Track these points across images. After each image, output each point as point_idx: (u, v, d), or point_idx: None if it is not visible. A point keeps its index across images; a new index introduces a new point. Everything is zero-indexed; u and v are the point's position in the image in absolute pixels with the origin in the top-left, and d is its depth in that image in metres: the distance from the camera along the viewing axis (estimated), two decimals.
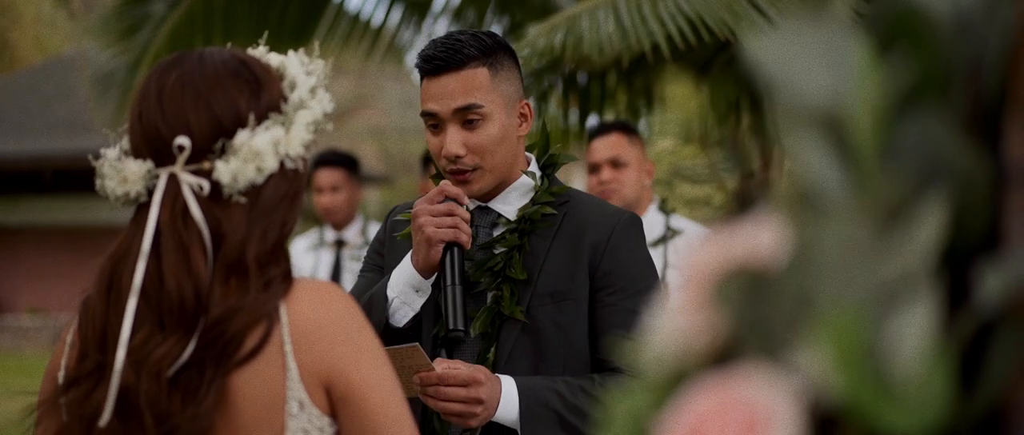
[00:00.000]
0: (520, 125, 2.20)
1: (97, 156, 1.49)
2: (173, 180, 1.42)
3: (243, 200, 1.41)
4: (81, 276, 1.54)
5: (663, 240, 3.85)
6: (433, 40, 2.21)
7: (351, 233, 5.06)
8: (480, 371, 2.04)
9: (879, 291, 0.47)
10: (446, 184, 2.12)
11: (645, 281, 2.18)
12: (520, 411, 2.05)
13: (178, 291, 1.38)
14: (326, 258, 5.06)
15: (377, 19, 6.84)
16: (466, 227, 2.10)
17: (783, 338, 0.50)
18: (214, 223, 1.41)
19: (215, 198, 1.42)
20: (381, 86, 22.76)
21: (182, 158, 1.42)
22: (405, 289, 2.11)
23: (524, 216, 2.19)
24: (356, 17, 6.79)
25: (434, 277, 2.12)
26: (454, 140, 2.12)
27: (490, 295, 2.17)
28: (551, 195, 2.21)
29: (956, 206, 0.49)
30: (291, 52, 1.53)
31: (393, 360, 1.64)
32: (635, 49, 4.50)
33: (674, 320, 0.55)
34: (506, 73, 2.17)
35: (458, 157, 2.12)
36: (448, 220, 2.08)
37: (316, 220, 5.73)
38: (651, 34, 4.42)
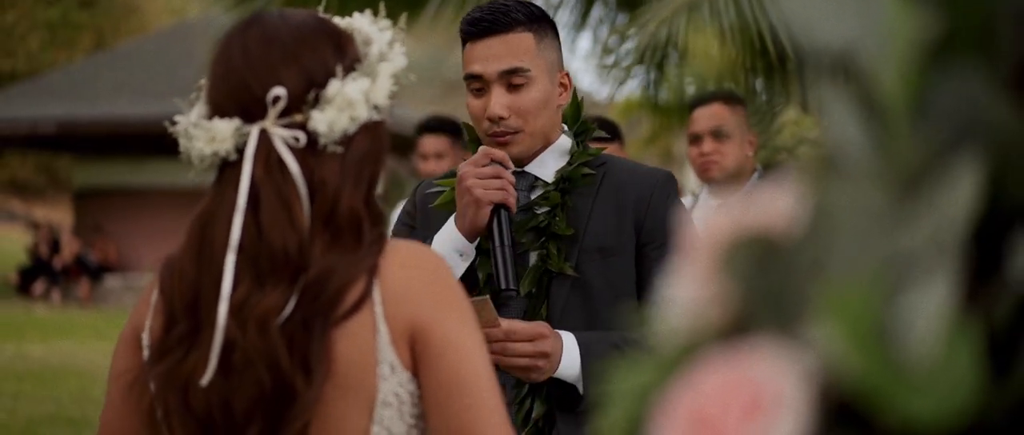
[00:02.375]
0: (560, 94, 2.23)
1: (173, 123, 1.48)
2: (264, 135, 1.41)
3: (339, 150, 1.41)
4: None
5: None
6: (479, 6, 2.23)
7: None
8: (543, 326, 2.06)
9: (897, 261, 0.42)
10: (491, 149, 2.13)
11: None
12: (582, 366, 2.06)
13: (282, 244, 1.38)
14: None
15: None
16: (512, 190, 2.11)
17: (795, 312, 0.45)
18: (309, 174, 1.40)
19: (309, 150, 1.41)
20: None
21: (275, 111, 1.41)
22: (449, 253, 2.11)
23: (563, 176, 2.21)
24: None
25: (478, 241, 2.13)
26: (499, 102, 2.14)
27: (534, 254, 2.18)
28: (588, 156, 2.23)
29: (993, 171, 0.44)
30: (356, 13, 1.53)
31: None
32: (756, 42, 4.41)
33: (685, 291, 0.51)
34: (549, 41, 2.20)
35: (502, 118, 2.14)
36: (496, 182, 2.09)
37: None
38: (773, 27, 4.31)
